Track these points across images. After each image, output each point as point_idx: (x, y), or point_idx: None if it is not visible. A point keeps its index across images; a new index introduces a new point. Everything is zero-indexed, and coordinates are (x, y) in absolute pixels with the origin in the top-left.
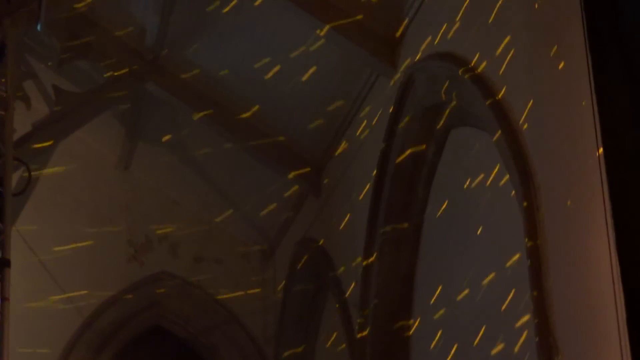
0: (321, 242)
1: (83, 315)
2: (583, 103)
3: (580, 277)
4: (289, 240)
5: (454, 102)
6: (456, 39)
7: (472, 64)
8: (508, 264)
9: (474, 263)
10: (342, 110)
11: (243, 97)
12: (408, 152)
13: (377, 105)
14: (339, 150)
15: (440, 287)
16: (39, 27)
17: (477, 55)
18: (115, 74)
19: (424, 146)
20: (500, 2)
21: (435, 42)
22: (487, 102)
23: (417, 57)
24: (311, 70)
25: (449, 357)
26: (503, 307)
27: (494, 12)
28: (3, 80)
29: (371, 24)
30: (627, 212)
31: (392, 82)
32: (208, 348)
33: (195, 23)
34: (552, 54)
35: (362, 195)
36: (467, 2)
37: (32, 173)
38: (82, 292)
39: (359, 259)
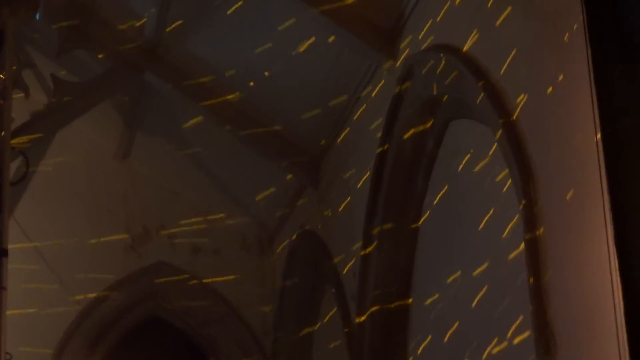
0: (320, 233)
1: (81, 305)
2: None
3: (579, 269)
4: (287, 231)
5: (453, 94)
6: (456, 31)
7: (472, 56)
8: (507, 257)
9: (473, 255)
10: (340, 102)
11: (242, 88)
12: (407, 143)
13: (376, 96)
14: (337, 142)
15: (438, 279)
16: (37, 17)
17: (476, 47)
18: (114, 64)
19: (422, 138)
20: None
21: (435, 34)
22: (486, 94)
23: (417, 49)
24: (310, 62)
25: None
26: (501, 298)
27: (493, 2)
28: (2, 75)
29: (370, 14)
30: (627, 203)
31: (391, 74)
32: (206, 339)
33: (194, 14)
34: (551, 44)
35: (360, 186)
36: None
37: (30, 163)
38: (80, 283)
39: (358, 250)
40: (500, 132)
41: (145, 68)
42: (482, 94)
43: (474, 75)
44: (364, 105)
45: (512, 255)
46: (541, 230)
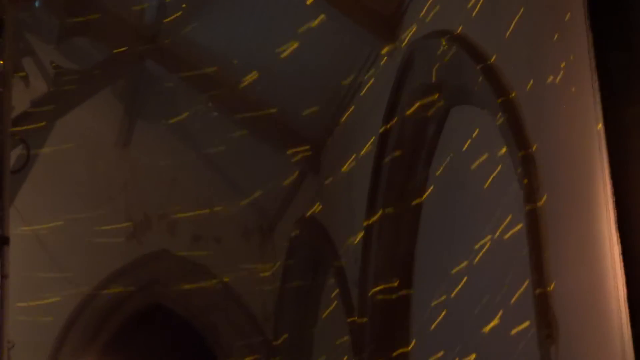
0: (320, 220)
1: (82, 293)
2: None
3: (581, 254)
4: (288, 218)
5: (454, 80)
6: (456, 17)
7: (473, 42)
8: (509, 244)
9: (474, 240)
10: (341, 89)
11: (242, 74)
12: (408, 130)
13: (377, 83)
14: (338, 128)
15: (440, 266)
16: (37, 4)
17: (477, 33)
18: (115, 51)
19: (423, 124)
20: None
21: (435, 20)
22: (487, 80)
23: (417, 35)
24: (311, 49)
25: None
26: (502, 284)
27: None
28: (1, 63)
29: (371, 1)
30: (628, 187)
31: (392, 60)
32: (207, 325)
33: (194, 1)
34: (553, 31)
35: (361, 173)
36: None
37: (31, 151)
38: (81, 270)
39: (359, 237)
40: (500, 117)
41: (146, 56)
42: (483, 80)
43: (475, 60)
44: (365, 93)
45: (513, 239)
46: (543, 215)
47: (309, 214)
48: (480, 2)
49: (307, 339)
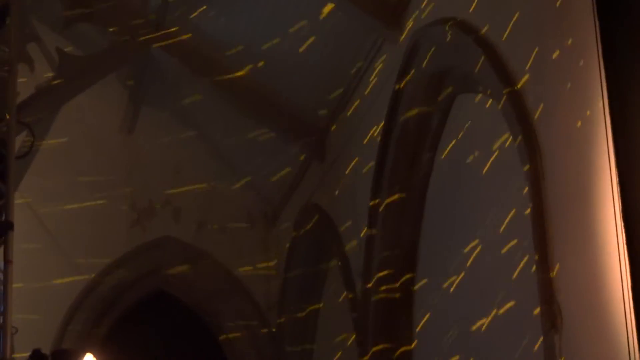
0: (325, 207)
1: (86, 279)
2: (581, 63)
3: (586, 243)
4: (292, 205)
5: (459, 68)
6: (461, 4)
7: (477, 29)
8: (511, 225)
9: (478, 230)
10: (346, 76)
11: (247, 61)
12: (413, 118)
13: (382, 71)
14: (343, 116)
15: (444, 255)
16: None
17: (482, 20)
18: (119, 37)
19: (428, 112)
20: None
21: (440, 8)
22: (492, 67)
23: (423, 23)
24: (316, 37)
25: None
26: (506, 274)
27: None
28: (7, 49)
29: None
30: (633, 174)
31: (397, 48)
32: (211, 313)
33: None
34: (558, 18)
35: (365, 161)
36: None
37: (36, 136)
38: (86, 257)
39: (363, 224)
40: (505, 102)
41: (151, 42)
42: (487, 67)
43: (480, 48)
44: (370, 80)
45: (518, 229)
46: (547, 203)
47: (312, 201)
48: None
49: (310, 326)
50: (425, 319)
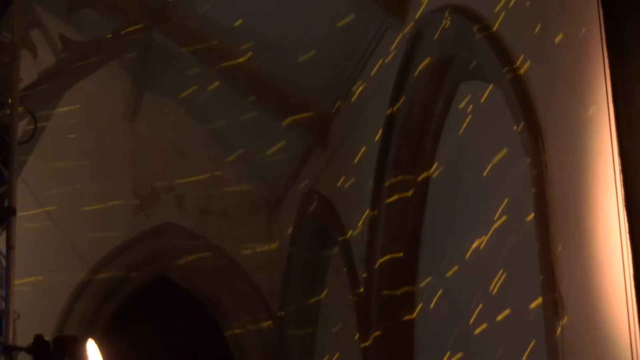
0: (327, 194)
1: (88, 265)
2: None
3: (588, 232)
4: (295, 192)
5: (463, 56)
6: None
7: (482, 17)
8: (517, 220)
9: (481, 219)
10: (350, 63)
11: (251, 48)
12: (416, 105)
13: (386, 58)
14: (346, 103)
15: (447, 243)
16: None
17: (486, 8)
18: (122, 23)
19: (432, 99)
20: None
21: None
22: (496, 55)
23: (427, 10)
24: (320, 23)
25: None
26: (509, 265)
27: None
28: (10, 35)
29: None
30: (637, 166)
31: (401, 35)
32: (213, 300)
33: None
34: (563, 7)
35: (368, 148)
36: None
37: (38, 122)
38: (88, 243)
39: (366, 212)
40: (508, 89)
41: (154, 28)
42: (492, 55)
43: (484, 36)
44: (374, 67)
45: (521, 219)
46: (550, 192)
47: (315, 188)
48: None
49: (313, 313)
50: (428, 302)
